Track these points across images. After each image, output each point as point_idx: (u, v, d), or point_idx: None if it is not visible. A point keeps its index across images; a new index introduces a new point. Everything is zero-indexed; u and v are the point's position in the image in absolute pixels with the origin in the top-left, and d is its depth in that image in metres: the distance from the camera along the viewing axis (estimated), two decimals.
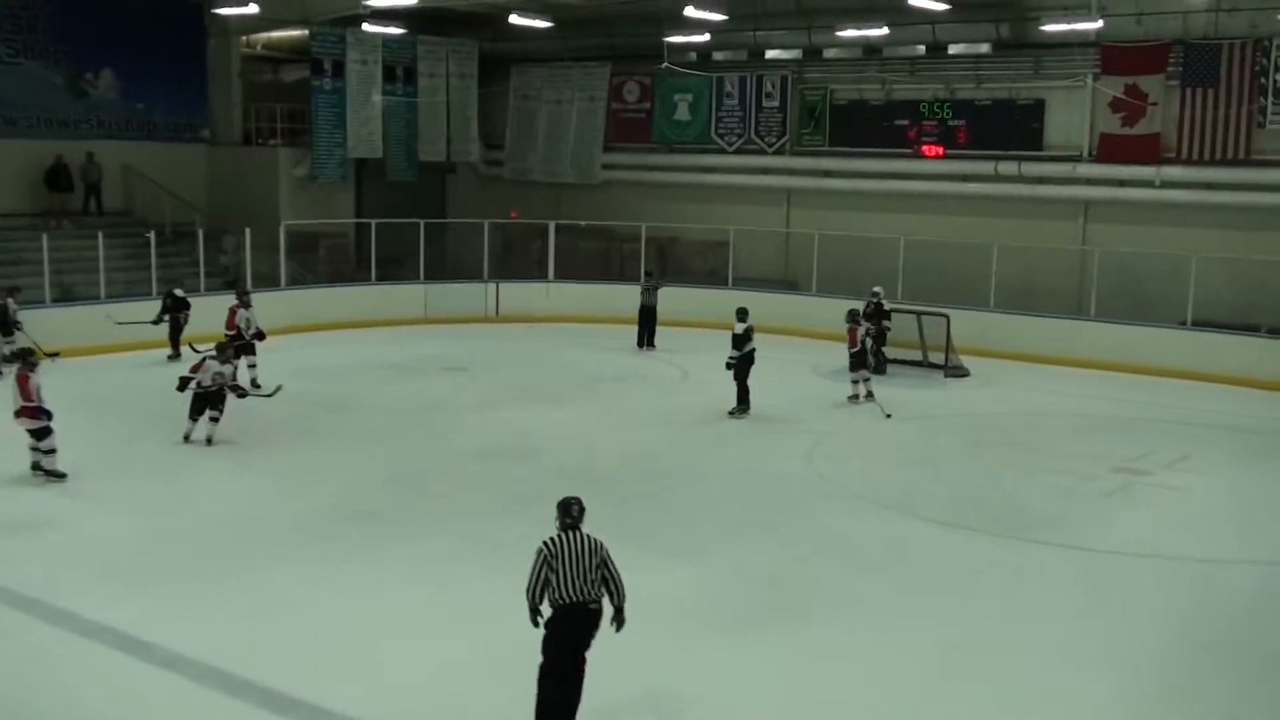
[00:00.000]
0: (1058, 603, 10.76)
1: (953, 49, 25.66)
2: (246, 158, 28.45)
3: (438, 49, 29.53)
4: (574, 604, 7.84)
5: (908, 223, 24.86)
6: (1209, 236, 22.18)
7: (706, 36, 26.55)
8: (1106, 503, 13.89)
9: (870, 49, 26.52)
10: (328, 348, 16.95)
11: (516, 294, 26.61)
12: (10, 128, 25.21)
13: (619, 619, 8.03)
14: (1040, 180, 24.43)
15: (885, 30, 24.47)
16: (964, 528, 12.79)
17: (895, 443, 16.61)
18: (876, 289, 21.31)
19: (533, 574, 7.93)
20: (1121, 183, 23.58)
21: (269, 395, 15.93)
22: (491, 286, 26.57)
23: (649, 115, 29.55)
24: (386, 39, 28.11)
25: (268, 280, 24.42)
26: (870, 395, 18.46)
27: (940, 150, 25.50)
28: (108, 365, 19.93)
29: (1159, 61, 22.95)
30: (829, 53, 27.31)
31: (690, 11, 23.22)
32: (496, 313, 26.35)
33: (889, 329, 21.04)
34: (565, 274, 27.25)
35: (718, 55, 28.70)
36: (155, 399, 16.97)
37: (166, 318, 20.84)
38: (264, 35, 29.43)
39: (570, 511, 8.07)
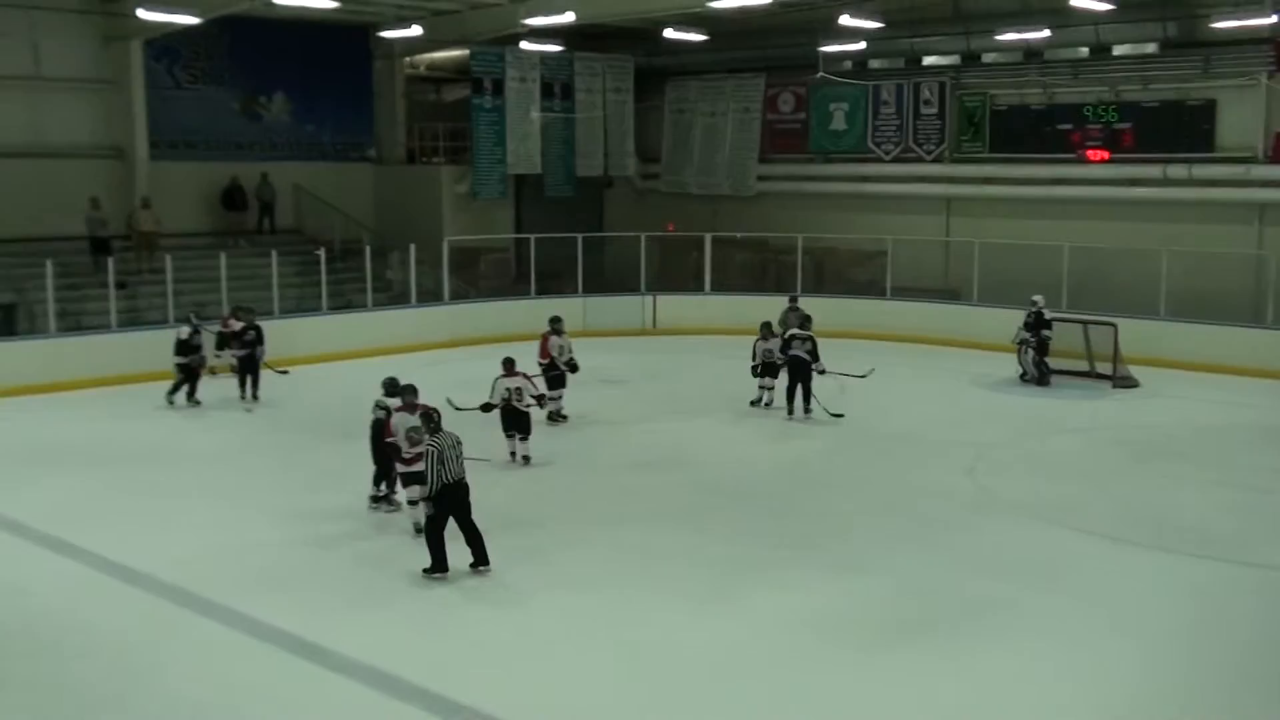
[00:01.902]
0: (1232, 621, 10.38)
1: (1117, 50, 25.02)
2: (410, 176, 29.25)
3: (594, 65, 29.95)
4: (455, 482, 11.05)
5: (1072, 229, 24.25)
6: None
7: (862, 45, 26.37)
8: None
9: (1031, 52, 26.01)
10: (489, 361, 17.31)
11: (674, 306, 26.74)
12: (190, 151, 26.44)
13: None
14: (1212, 183, 23.57)
15: (1046, 33, 24.00)
16: (1133, 543, 12.42)
17: (1060, 456, 16.22)
18: (1036, 298, 20.85)
19: (433, 472, 10.92)
20: None
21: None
22: (649, 299, 26.76)
23: (804, 125, 29.45)
24: (544, 57, 28.63)
25: (432, 295, 25.09)
26: (769, 403, 18.42)
27: (1105, 154, 24.81)
28: (290, 379, 20.51)
29: None
30: (988, 57, 26.90)
31: (846, 20, 23.12)
32: (654, 325, 26.53)
33: (1049, 338, 20.58)
34: (722, 286, 27.30)
35: (874, 63, 28.51)
36: (326, 410, 17.58)
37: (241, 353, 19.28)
38: (426, 56, 30.20)
39: (433, 418, 11.35)
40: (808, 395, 17.92)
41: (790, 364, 17.92)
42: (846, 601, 10.74)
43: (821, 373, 17.96)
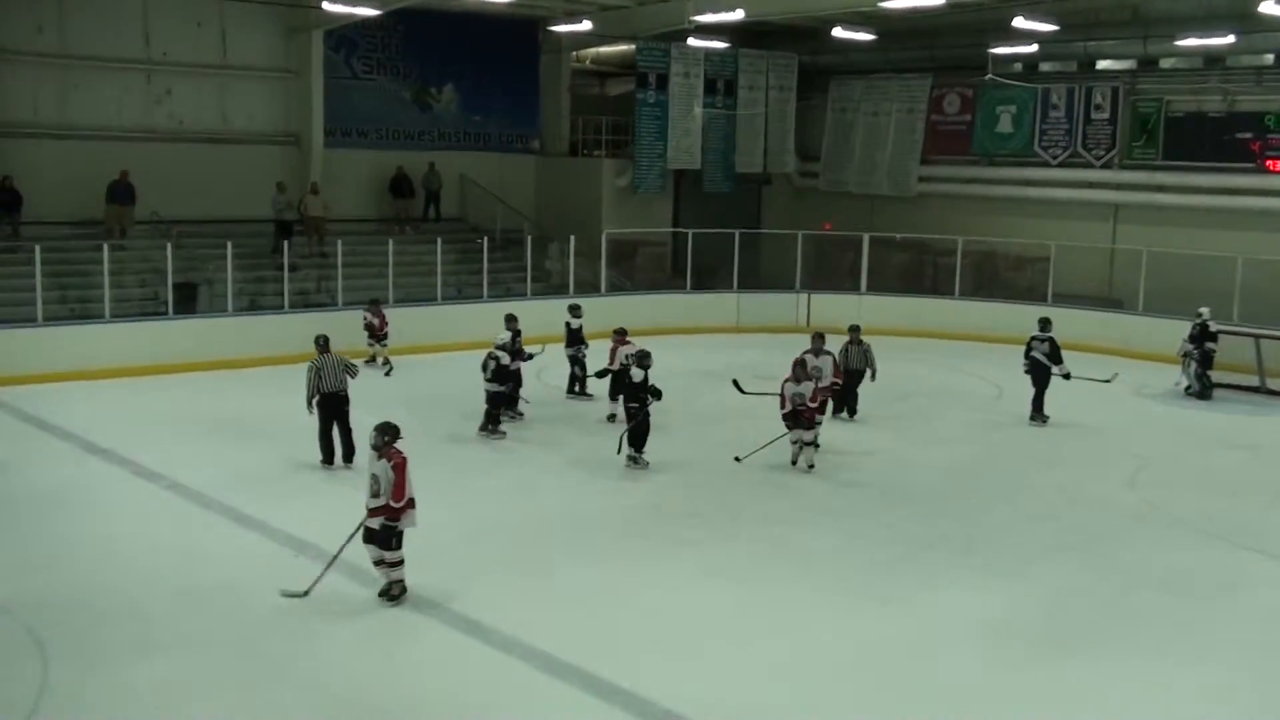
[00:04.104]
0: None
1: None
2: (572, 168, 29.66)
3: (758, 62, 29.96)
4: (331, 392, 14.06)
5: (1246, 241, 23.46)
6: None
7: (1034, 47, 25.89)
8: None
9: (1211, 58, 25.22)
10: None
11: (828, 305, 26.59)
12: (362, 139, 27.24)
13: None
14: None
15: (1230, 39, 23.24)
16: None
17: (1227, 471, 15.80)
18: (1202, 309, 20.27)
19: (309, 382, 14.05)
20: None
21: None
22: (803, 297, 26.72)
23: (969, 127, 29.06)
24: (709, 53, 28.74)
25: (589, 287, 25.44)
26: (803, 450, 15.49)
27: None
28: (443, 363, 21.11)
29: None
30: (1166, 62, 26.16)
31: (1019, 22, 22.76)
32: (807, 323, 26.36)
33: (1214, 351, 20.03)
34: (878, 286, 27.12)
35: (1044, 66, 27.98)
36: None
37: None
38: (592, 50, 30.61)
39: (319, 342, 14.45)
40: (1040, 400, 17.99)
41: (1031, 368, 18.01)
42: (1004, 607, 10.68)
43: (1067, 377, 17.89)
